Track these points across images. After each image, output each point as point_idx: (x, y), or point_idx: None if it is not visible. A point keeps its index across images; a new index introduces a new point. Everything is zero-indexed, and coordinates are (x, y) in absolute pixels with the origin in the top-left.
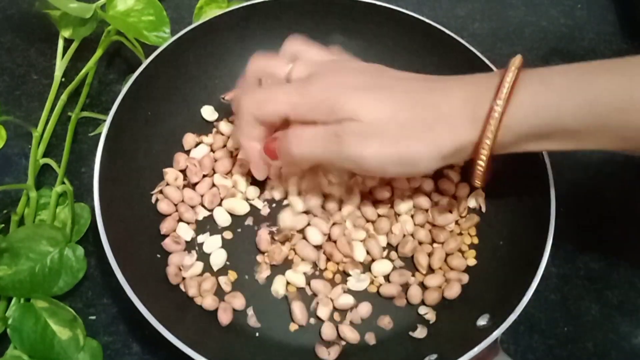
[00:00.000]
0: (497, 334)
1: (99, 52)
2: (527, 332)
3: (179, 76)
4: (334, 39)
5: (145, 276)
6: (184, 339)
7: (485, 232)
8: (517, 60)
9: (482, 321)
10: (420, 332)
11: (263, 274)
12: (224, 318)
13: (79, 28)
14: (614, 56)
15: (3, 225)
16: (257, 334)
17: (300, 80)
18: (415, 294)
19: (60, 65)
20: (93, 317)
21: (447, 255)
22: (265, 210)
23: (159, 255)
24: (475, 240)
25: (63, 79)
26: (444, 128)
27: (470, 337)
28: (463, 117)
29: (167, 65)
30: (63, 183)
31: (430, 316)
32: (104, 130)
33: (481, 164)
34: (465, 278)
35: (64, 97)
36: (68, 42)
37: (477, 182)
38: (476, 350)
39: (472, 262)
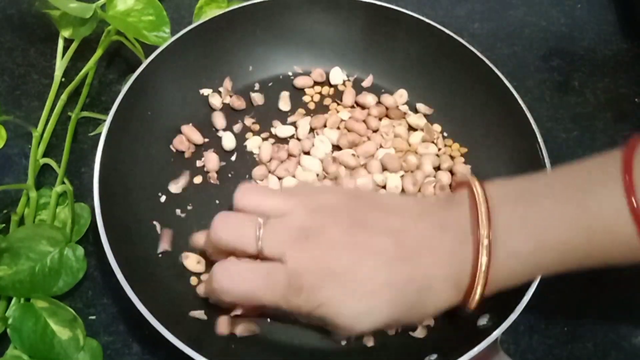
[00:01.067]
0: (497, 334)
1: (99, 52)
2: (527, 332)
3: (179, 76)
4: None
5: (145, 276)
6: (184, 339)
7: None
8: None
9: (482, 321)
10: (421, 332)
11: None
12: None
13: (79, 28)
14: (614, 56)
15: (3, 225)
16: (258, 333)
17: (267, 258)
18: None
19: (60, 65)
20: (93, 317)
21: None
22: None
23: (160, 255)
24: None
25: (63, 79)
26: (431, 301)
27: (470, 337)
28: (448, 288)
29: (167, 65)
30: (63, 183)
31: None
32: (104, 130)
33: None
34: None
35: (64, 97)
36: (68, 42)
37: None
38: (476, 350)
39: None
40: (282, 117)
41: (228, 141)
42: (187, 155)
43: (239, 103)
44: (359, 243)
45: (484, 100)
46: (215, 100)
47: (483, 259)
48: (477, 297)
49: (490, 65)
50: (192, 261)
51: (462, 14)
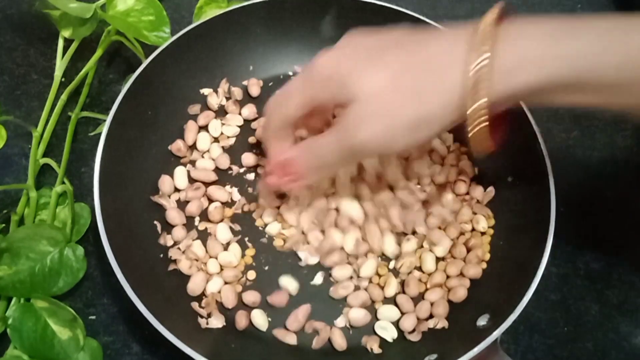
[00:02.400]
0: (497, 334)
1: (99, 52)
2: (527, 332)
3: (179, 76)
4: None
5: (145, 276)
6: (183, 339)
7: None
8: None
9: (482, 321)
10: (416, 336)
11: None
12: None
13: (79, 28)
14: None
15: (3, 225)
16: (258, 333)
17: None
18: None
19: (60, 65)
20: (93, 317)
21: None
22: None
23: (161, 255)
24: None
25: (63, 79)
26: (437, 86)
27: (470, 337)
28: (455, 71)
29: (167, 65)
30: (63, 183)
31: (442, 323)
32: (104, 130)
33: (473, 122)
34: (467, 282)
35: (64, 97)
36: (68, 42)
37: (475, 149)
38: (476, 350)
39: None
40: None
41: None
42: (184, 161)
43: (233, 108)
44: (381, 49)
45: None
46: (213, 100)
47: (480, 30)
48: (484, 85)
49: None
50: (185, 265)
51: (462, 14)
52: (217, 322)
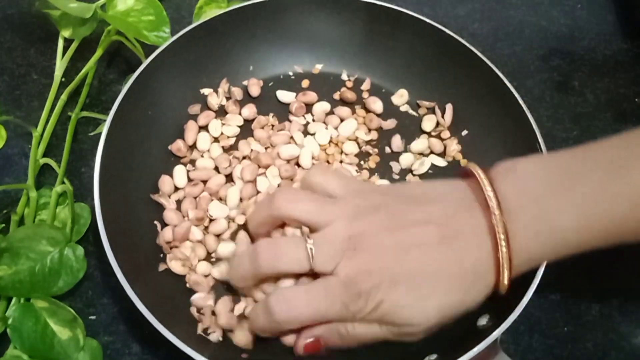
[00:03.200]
0: (497, 334)
1: (99, 52)
2: (527, 332)
3: (179, 76)
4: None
5: (145, 276)
6: (183, 339)
7: None
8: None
9: (482, 321)
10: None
11: None
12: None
13: (79, 28)
14: (614, 56)
15: (3, 225)
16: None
17: (325, 279)
18: None
19: (60, 65)
20: (93, 317)
21: None
22: None
23: (161, 255)
24: None
25: (63, 79)
26: (480, 282)
27: (470, 337)
28: (488, 268)
29: (167, 65)
30: (63, 183)
31: None
32: (104, 130)
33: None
34: None
35: (64, 96)
36: (68, 42)
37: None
38: (476, 350)
39: None
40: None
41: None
42: (184, 161)
43: (233, 108)
44: (402, 238)
45: (484, 100)
46: (213, 100)
47: (502, 250)
48: (504, 280)
49: (491, 65)
50: (177, 264)
51: (462, 14)
52: (216, 336)
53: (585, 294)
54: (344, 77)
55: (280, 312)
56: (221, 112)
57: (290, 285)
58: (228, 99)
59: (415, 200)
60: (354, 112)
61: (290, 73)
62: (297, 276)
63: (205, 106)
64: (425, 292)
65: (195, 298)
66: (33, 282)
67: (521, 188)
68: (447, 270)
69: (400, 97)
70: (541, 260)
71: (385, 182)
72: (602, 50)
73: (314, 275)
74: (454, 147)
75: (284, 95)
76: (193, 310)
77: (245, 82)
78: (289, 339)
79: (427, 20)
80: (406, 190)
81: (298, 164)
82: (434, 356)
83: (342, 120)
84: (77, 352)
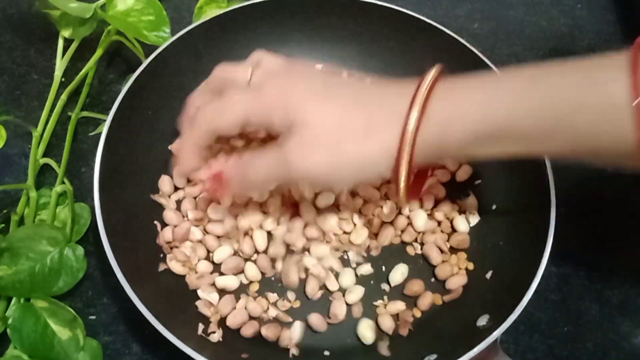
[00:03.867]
0: (497, 334)
1: (99, 52)
2: (527, 332)
3: (179, 76)
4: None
5: (145, 276)
6: (183, 339)
7: (485, 233)
8: (433, 71)
9: (482, 321)
10: (384, 349)
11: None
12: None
13: (79, 28)
14: None
15: (3, 225)
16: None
17: (256, 85)
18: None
19: (60, 65)
20: (93, 317)
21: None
22: None
23: (161, 255)
24: (471, 266)
25: (63, 79)
26: (380, 134)
27: (470, 337)
28: (396, 124)
29: (167, 65)
30: (63, 183)
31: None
32: (104, 130)
33: (401, 176)
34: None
35: (64, 96)
36: (68, 42)
37: (398, 198)
38: (476, 350)
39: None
40: None
41: None
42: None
43: None
44: (325, 85)
45: None
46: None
47: (422, 88)
48: (407, 147)
49: (491, 65)
50: (177, 265)
51: (462, 14)
52: (216, 336)
53: (585, 294)
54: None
55: (211, 107)
56: None
57: None
58: None
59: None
60: None
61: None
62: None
63: None
64: (325, 144)
65: (200, 300)
66: (33, 282)
67: (452, 85)
68: (349, 122)
69: None
70: (439, 147)
71: None
72: (602, 50)
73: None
74: None
75: None
76: (200, 305)
77: None
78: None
79: (427, 20)
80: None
81: None
82: (434, 356)
83: None
84: (77, 352)
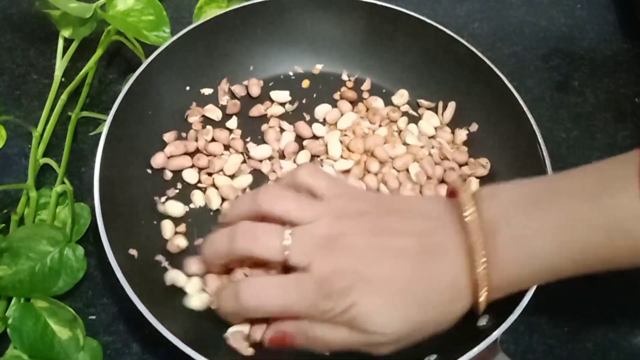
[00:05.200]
0: (497, 334)
1: (99, 52)
2: (527, 332)
3: (179, 76)
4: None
5: (145, 276)
6: (183, 339)
7: None
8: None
9: (482, 321)
10: None
11: None
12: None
13: (79, 28)
14: (614, 56)
15: (3, 225)
16: None
17: (298, 274)
18: None
19: (60, 65)
20: (93, 317)
21: None
22: None
23: (160, 255)
24: None
25: (63, 79)
26: (454, 302)
27: (470, 337)
28: (465, 290)
29: (167, 65)
30: (63, 183)
31: None
32: (105, 130)
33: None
34: None
35: (64, 96)
36: (68, 42)
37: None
38: (476, 350)
39: None
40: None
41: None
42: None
43: (234, 109)
44: (381, 245)
45: (484, 100)
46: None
47: (481, 270)
48: (482, 301)
49: (491, 65)
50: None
51: (462, 14)
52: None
53: (585, 294)
54: (344, 77)
55: (248, 298)
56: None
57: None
58: (229, 99)
59: (399, 212)
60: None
61: (291, 73)
62: (270, 269)
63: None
64: (396, 301)
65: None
66: (33, 282)
67: (501, 212)
68: (422, 283)
69: (401, 97)
70: (519, 285)
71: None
72: (602, 50)
73: (287, 270)
74: (462, 136)
75: (278, 95)
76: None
77: (245, 82)
78: (256, 334)
79: (427, 20)
80: (392, 201)
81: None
82: (434, 356)
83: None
84: (77, 352)
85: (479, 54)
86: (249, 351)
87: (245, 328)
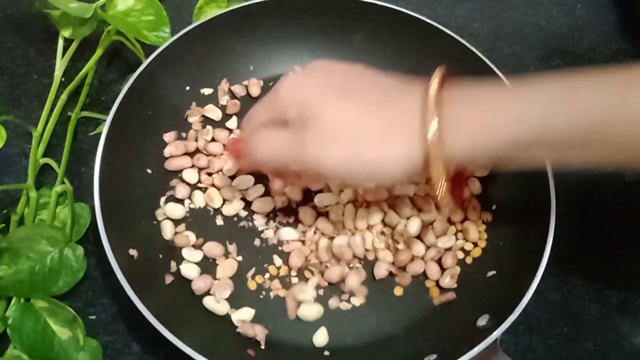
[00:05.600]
0: (497, 334)
1: (98, 52)
2: (527, 332)
3: (179, 76)
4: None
5: (145, 276)
6: (183, 338)
7: (485, 233)
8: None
9: (482, 321)
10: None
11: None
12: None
13: (79, 28)
14: (614, 56)
15: (3, 225)
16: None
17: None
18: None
19: (60, 65)
20: (93, 317)
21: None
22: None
23: (160, 255)
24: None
25: (63, 79)
26: (398, 140)
27: (470, 337)
28: (414, 130)
29: (167, 65)
30: (63, 183)
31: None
32: (104, 130)
33: (436, 180)
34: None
35: (63, 96)
36: (68, 42)
37: (441, 202)
38: (476, 350)
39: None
40: None
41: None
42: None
43: (233, 109)
44: (346, 88)
45: None
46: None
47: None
48: (437, 152)
49: (491, 64)
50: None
51: (462, 14)
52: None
53: (585, 294)
54: None
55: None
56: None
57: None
58: (229, 99)
59: (369, 76)
60: None
61: (291, 72)
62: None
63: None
64: (338, 134)
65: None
66: (33, 282)
67: (464, 91)
68: (366, 122)
69: None
70: (473, 152)
71: None
72: (602, 50)
73: None
74: None
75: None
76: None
77: (245, 82)
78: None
79: (428, 21)
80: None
81: None
82: (434, 356)
83: None
84: (77, 352)
85: (479, 54)
86: (260, 334)
87: (248, 315)
